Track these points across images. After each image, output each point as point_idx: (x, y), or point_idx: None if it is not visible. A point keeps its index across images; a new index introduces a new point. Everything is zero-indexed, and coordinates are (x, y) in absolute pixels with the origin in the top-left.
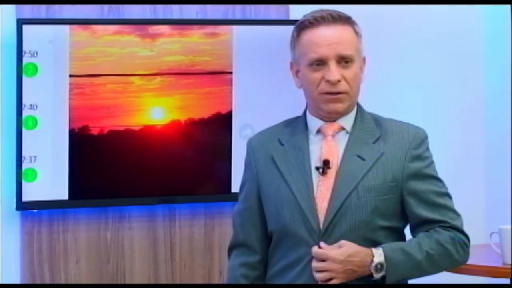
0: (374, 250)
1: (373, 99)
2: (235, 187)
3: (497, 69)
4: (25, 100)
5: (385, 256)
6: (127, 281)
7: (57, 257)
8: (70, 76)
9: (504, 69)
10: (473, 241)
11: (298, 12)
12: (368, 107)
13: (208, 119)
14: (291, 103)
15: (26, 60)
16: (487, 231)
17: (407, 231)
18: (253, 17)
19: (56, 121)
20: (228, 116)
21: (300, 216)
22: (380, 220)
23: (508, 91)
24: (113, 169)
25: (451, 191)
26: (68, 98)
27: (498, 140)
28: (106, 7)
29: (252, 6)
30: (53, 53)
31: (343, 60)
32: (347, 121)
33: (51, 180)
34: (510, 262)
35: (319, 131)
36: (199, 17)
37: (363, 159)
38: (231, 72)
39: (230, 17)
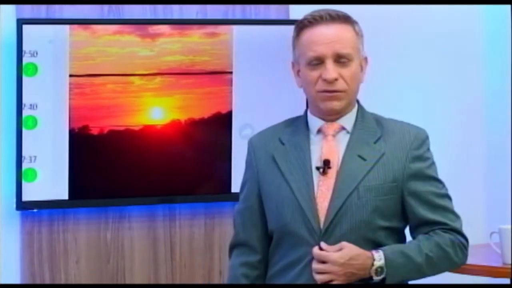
0: (374, 253)
1: (373, 99)
2: (235, 187)
3: (497, 69)
4: (25, 100)
5: (386, 259)
6: (127, 281)
7: (57, 257)
8: (70, 76)
9: (504, 69)
10: (473, 241)
11: (298, 12)
12: (368, 107)
13: (208, 119)
14: (291, 103)
15: (26, 60)
16: (487, 231)
17: (406, 231)
18: (253, 17)
19: (56, 121)
20: (228, 116)
21: (301, 216)
22: (380, 220)
23: (508, 91)
24: (113, 169)
25: (451, 191)
26: (68, 98)
27: (498, 140)
28: (106, 7)
29: (252, 6)
30: (53, 53)
31: (341, 59)
32: (348, 121)
33: (51, 180)
34: (510, 262)
35: (319, 131)
36: (199, 17)
37: (364, 159)
38: (231, 72)
39: (230, 17)
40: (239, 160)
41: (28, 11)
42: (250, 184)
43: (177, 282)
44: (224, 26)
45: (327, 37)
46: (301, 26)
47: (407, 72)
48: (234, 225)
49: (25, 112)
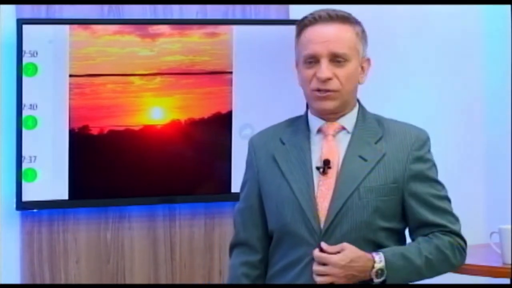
0: (375, 255)
1: (373, 99)
2: (235, 187)
3: (497, 69)
4: (25, 100)
5: (386, 262)
6: (127, 281)
7: (57, 257)
8: (70, 76)
9: (504, 69)
10: (473, 241)
11: (298, 12)
12: (367, 106)
13: (208, 119)
14: (291, 103)
15: (26, 60)
16: (487, 231)
17: (406, 232)
18: (253, 17)
19: (56, 121)
20: (228, 116)
21: (301, 216)
22: (381, 221)
23: (508, 91)
24: (113, 169)
25: (451, 191)
26: (68, 98)
27: (498, 140)
28: (106, 7)
29: (252, 6)
30: (53, 53)
31: (336, 59)
32: (348, 121)
33: (51, 180)
34: (510, 262)
35: (319, 131)
36: (199, 17)
37: (365, 160)
38: (231, 72)
39: (230, 17)
40: (239, 160)
41: (28, 11)
42: (251, 183)
43: (177, 282)
44: (224, 26)
45: (323, 36)
46: (301, 25)
47: (407, 72)
48: (234, 225)
49: (25, 112)
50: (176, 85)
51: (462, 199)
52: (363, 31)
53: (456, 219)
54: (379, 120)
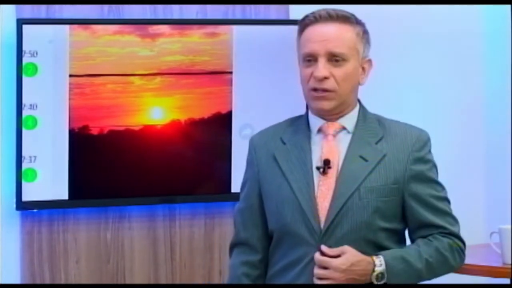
0: (375, 258)
1: (373, 99)
2: (235, 187)
3: (497, 69)
4: (25, 100)
5: (386, 265)
6: (127, 281)
7: (57, 257)
8: (70, 76)
9: (504, 69)
10: (473, 241)
11: (298, 12)
12: (367, 106)
13: (208, 119)
14: (291, 103)
15: (26, 60)
16: (487, 231)
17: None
18: (253, 17)
19: (56, 121)
20: (228, 116)
21: (301, 216)
22: (381, 222)
23: (508, 91)
24: (113, 169)
25: (451, 191)
26: (68, 98)
27: (498, 140)
28: (106, 7)
29: (252, 6)
30: (53, 53)
31: (334, 58)
32: (349, 121)
33: (51, 180)
34: (510, 262)
35: (320, 130)
36: (199, 17)
37: (366, 160)
38: (231, 72)
39: (230, 17)
40: (239, 160)
41: (28, 11)
42: (251, 183)
43: (177, 282)
44: (224, 26)
45: (322, 35)
46: (302, 24)
47: (407, 72)
48: (234, 224)
49: (25, 112)
50: (176, 85)
51: (462, 199)
52: (364, 32)
53: (456, 221)
54: (379, 121)
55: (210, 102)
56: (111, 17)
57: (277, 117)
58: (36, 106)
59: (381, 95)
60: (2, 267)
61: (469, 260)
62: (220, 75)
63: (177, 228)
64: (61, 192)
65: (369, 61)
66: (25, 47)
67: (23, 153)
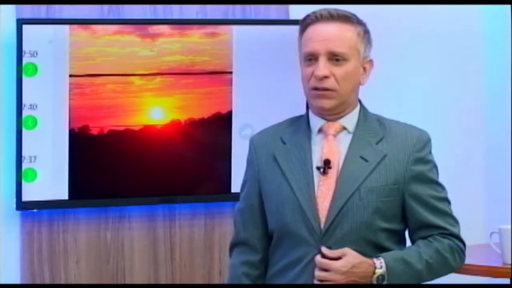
0: (376, 260)
1: (372, 99)
2: (235, 187)
3: (497, 69)
4: (25, 100)
5: (387, 267)
6: (127, 281)
7: (57, 257)
8: (70, 76)
9: (504, 69)
10: (473, 241)
11: (298, 12)
12: (367, 106)
13: (208, 119)
14: (291, 103)
15: (26, 60)
16: (487, 231)
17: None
18: (253, 17)
19: (56, 121)
20: (228, 116)
21: (301, 216)
22: (381, 222)
23: (508, 91)
24: (113, 169)
25: (451, 191)
26: (68, 98)
27: (498, 140)
28: (106, 7)
29: (252, 6)
30: (53, 53)
31: (335, 57)
32: (349, 121)
33: (51, 180)
34: (510, 262)
35: (320, 130)
36: (199, 17)
37: (366, 160)
38: (231, 72)
39: (230, 17)
40: (239, 160)
41: (28, 11)
42: (251, 183)
43: (177, 282)
44: (224, 26)
45: (322, 34)
46: (304, 24)
47: (407, 72)
48: (234, 224)
49: (25, 112)
50: (176, 85)
51: (462, 199)
52: (366, 32)
53: (456, 221)
54: (380, 121)
55: (210, 102)
56: (111, 17)
57: (277, 117)
58: (36, 106)
59: (380, 95)
60: (2, 267)
61: (469, 260)
62: (220, 75)
63: (177, 228)
64: (61, 192)
65: (370, 61)
66: (25, 47)
67: (23, 153)
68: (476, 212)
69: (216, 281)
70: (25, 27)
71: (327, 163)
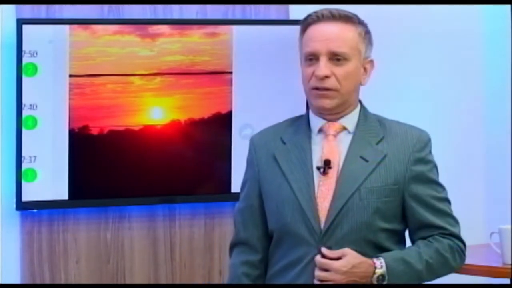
0: (376, 260)
1: (372, 99)
2: (235, 187)
3: (497, 69)
4: (25, 100)
5: (387, 267)
6: (127, 281)
7: (57, 257)
8: (70, 76)
9: (504, 69)
10: (473, 241)
11: (298, 12)
12: (367, 107)
13: (208, 119)
14: (291, 103)
15: (26, 60)
16: (487, 231)
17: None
18: (253, 17)
19: (56, 121)
20: (228, 116)
21: (301, 216)
22: (381, 222)
23: (508, 91)
24: (113, 169)
25: (451, 191)
26: (68, 98)
27: (498, 140)
28: (106, 7)
29: (252, 6)
30: (53, 53)
31: (335, 57)
32: (349, 121)
33: (51, 180)
34: (510, 262)
35: (320, 130)
36: (199, 17)
37: (366, 161)
38: (231, 72)
39: (230, 17)
40: (239, 160)
41: (28, 11)
42: (251, 183)
43: (177, 282)
44: (224, 26)
45: (323, 34)
46: (305, 23)
47: (407, 72)
48: (234, 224)
49: (25, 112)
50: (176, 85)
51: (462, 199)
52: (367, 32)
53: (456, 222)
54: (380, 121)
55: (210, 102)
56: (111, 17)
57: (277, 117)
58: (36, 106)
59: (380, 95)
60: (2, 267)
61: (469, 260)
62: (220, 75)
63: (177, 228)
64: (61, 192)
65: (371, 61)
66: (25, 47)
67: (23, 153)
68: (476, 212)
69: (216, 281)
70: (25, 27)
71: (327, 163)
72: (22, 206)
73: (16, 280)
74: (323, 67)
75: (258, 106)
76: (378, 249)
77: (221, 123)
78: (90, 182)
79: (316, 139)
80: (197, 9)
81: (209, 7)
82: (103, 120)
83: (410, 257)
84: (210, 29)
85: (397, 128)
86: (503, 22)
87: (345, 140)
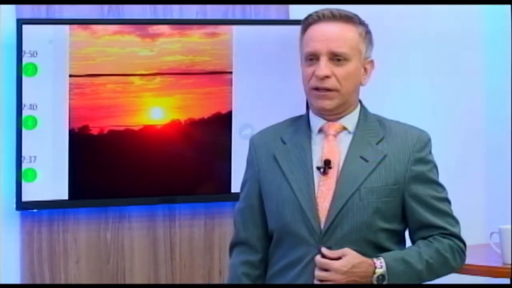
0: (376, 260)
1: (372, 99)
2: (235, 187)
3: (497, 69)
4: (25, 100)
5: (387, 267)
6: (127, 281)
7: (57, 257)
8: (70, 76)
9: (504, 69)
10: (473, 241)
11: (298, 12)
12: (367, 107)
13: (208, 119)
14: (291, 103)
15: (26, 60)
16: (487, 231)
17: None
18: (253, 17)
19: (56, 121)
20: (228, 116)
21: (301, 216)
22: (381, 222)
23: (508, 91)
24: (113, 169)
25: (451, 191)
26: (68, 98)
27: (498, 140)
28: (106, 7)
29: (252, 6)
30: (53, 53)
31: (336, 57)
32: (349, 121)
33: (51, 180)
34: (510, 262)
35: (321, 130)
36: (199, 17)
37: (366, 160)
38: (231, 72)
39: (230, 17)
40: (239, 160)
41: (28, 11)
42: (251, 183)
43: (177, 282)
44: (224, 26)
45: (324, 34)
46: (305, 23)
47: (407, 72)
48: (234, 224)
49: (25, 112)
50: (176, 85)
51: (462, 199)
52: (367, 32)
53: (456, 221)
54: (380, 121)
55: (210, 102)
56: (111, 17)
57: (277, 117)
58: (36, 106)
59: (380, 95)
60: (2, 267)
61: (469, 260)
62: (220, 75)
63: (177, 228)
64: (61, 192)
65: (371, 62)
66: (25, 47)
67: (23, 153)
68: (476, 212)
69: (216, 281)
70: (25, 27)
71: (327, 163)
72: (22, 206)
73: (16, 280)
74: (324, 67)
75: (258, 106)
76: (378, 249)
77: (221, 123)
78: (90, 182)
79: (316, 139)
80: (197, 9)
81: (209, 7)
82: (103, 120)
83: (410, 257)
84: (210, 29)
85: (397, 128)
86: (503, 22)
87: (345, 140)
